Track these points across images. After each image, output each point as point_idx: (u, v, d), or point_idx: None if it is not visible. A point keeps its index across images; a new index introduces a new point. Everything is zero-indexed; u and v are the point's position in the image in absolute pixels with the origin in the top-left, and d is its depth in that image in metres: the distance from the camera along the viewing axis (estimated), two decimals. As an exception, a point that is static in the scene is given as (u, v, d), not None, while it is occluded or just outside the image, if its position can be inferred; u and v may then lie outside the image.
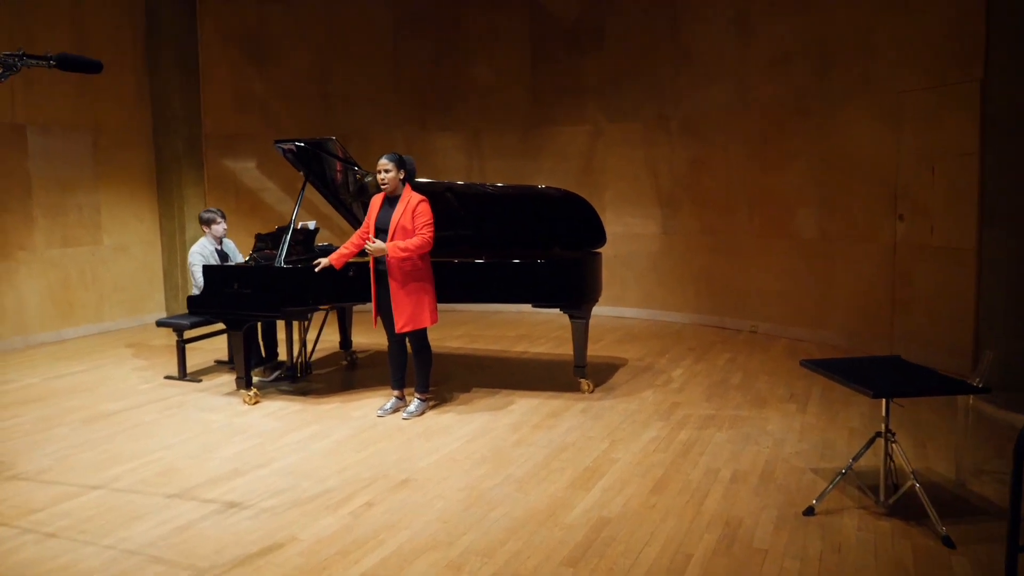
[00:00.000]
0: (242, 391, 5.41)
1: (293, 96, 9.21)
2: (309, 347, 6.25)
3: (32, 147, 7.48)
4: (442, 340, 7.47)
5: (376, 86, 9.35)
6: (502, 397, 5.46)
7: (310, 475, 4.02)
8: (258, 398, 5.40)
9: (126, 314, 8.46)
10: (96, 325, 8.15)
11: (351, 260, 5.14)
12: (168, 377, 6.15)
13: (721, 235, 8.00)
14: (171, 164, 8.66)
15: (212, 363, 6.57)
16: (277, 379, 6.02)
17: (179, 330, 6.03)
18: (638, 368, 6.32)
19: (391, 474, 4.02)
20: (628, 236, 8.62)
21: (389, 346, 5.16)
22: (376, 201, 5.03)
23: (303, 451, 4.39)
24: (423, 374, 5.12)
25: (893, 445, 3.41)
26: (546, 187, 5.80)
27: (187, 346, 6.12)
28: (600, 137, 8.76)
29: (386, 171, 4.85)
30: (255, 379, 5.90)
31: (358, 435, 4.67)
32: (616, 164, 8.70)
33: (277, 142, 5.35)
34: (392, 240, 4.81)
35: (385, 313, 5.03)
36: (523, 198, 5.87)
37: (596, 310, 5.88)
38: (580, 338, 5.48)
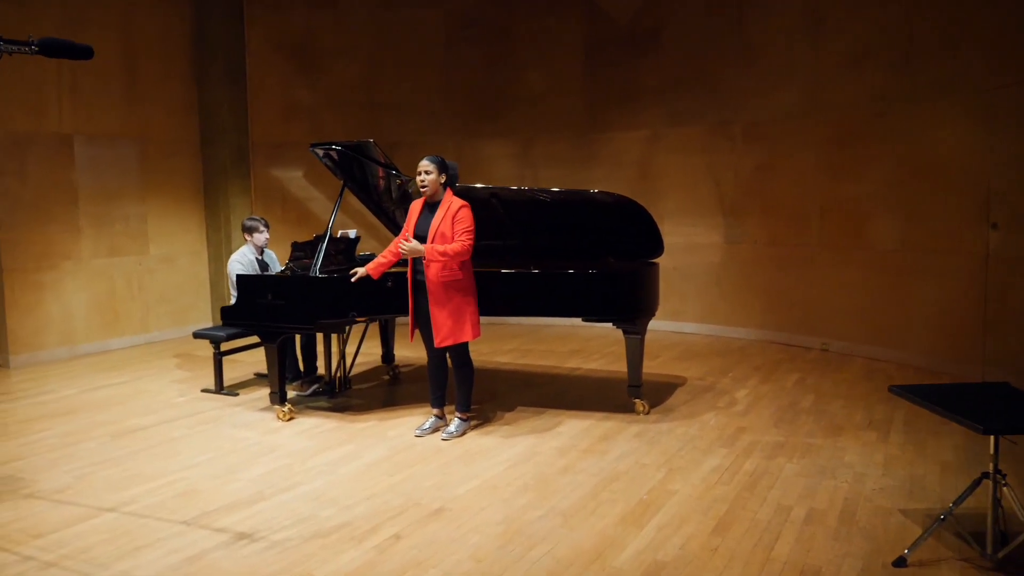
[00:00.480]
0: (276, 407, 5.14)
1: (341, 104, 9.04)
2: (348, 361, 5.97)
3: (79, 157, 7.45)
4: (489, 355, 7.12)
5: (425, 94, 9.11)
6: (550, 417, 5.07)
7: (336, 501, 3.69)
8: (292, 414, 5.13)
9: (172, 325, 8.37)
10: (142, 336, 8.07)
11: (390, 270, 4.83)
12: (204, 390, 5.95)
13: (789, 246, 7.45)
14: (218, 174, 8.57)
15: (252, 375, 6.36)
16: (315, 394, 5.75)
17: (215, 342, 5.82)
18: (698, 388, 5.84)
19: (423, 502, 3.66)
20: (688, 247, 8.13)
21: (428, 361, 4.82)
22: (416, 206, 4.72)
23: (332, 474, 4.08)
24: (464, 392, 4.76)
25: (1004, 488, 2.89)
26: (598, 192, 5.40)
27: (228, 358, 5.92)
28: (658, 143, 8.33)
29: (426, 173, 4.54)
30: (292, 394, 5.65)
31: (392, 457, 4.34)
32: (675, 171, 8.24)
33: (313, 146, 5.10)
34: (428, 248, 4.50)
35: (424, 325, 4.70)
36: (574, 204, 5.49)
37: (653, 325, 5.43)
38: (635, 355, 5.04)
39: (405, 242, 4.51)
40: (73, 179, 7.42)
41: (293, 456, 4.38)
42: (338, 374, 5.77)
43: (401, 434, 4.75)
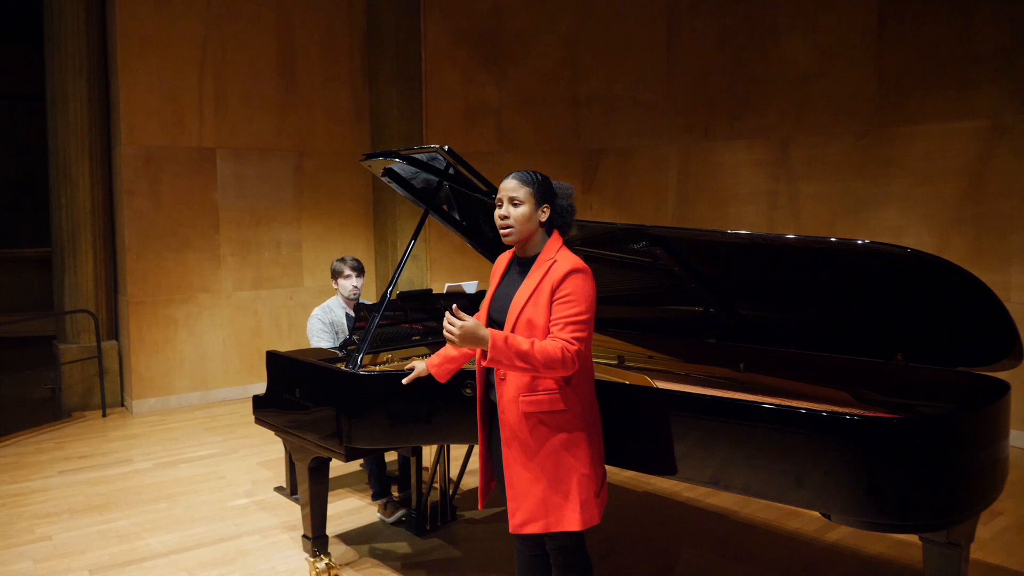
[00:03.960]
0: (307, 557, 3.33)
1: (535, 103, 7.14)
2: (447, 479, 4.00)
3: (221, 174, 6.41)
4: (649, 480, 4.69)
5: (642, 85, 6.86)
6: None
7: None
8: (334, 572, 3.28)
9: (327, 370, 7.08)
10: (290, 382, 6.86)
11: (467, 367, 2.77)
12: (278, 489, 4.37)
13: None
14: (387, 192, 7.13)
15: (359, 465, 4.68)
16: (398, 522, 3.88)
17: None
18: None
19: None
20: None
21: (515, 555, 2.64)
22: (500, 264, 2.60)
23: None
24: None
25: None
26: (871, 243, 2.71)
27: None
28: (1002, 140, 5.19)
29: (511, 202, 2.40)
30: (375, 513, 3.87)
31: None
32: (1030, 186, 5.07)
33: (366, 156, 3.23)
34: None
35: (502, 479, 2.55)
36: (821, 262, 2.90)
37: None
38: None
39: (455, 321, 2.38)
40: (214, 200, 6.39)
41: None
42: (427, 499, 3.82)
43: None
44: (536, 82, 7.16)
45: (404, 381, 2.83)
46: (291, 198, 6.83)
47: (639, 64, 6.86)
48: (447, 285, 3.89)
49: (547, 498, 2.34)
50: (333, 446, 3.00)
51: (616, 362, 3.57)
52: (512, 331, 2.35)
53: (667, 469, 2.55)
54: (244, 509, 4.11)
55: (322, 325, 4.15)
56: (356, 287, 4.18)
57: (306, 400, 3.14)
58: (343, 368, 3.03)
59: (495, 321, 2.48)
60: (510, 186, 2.42)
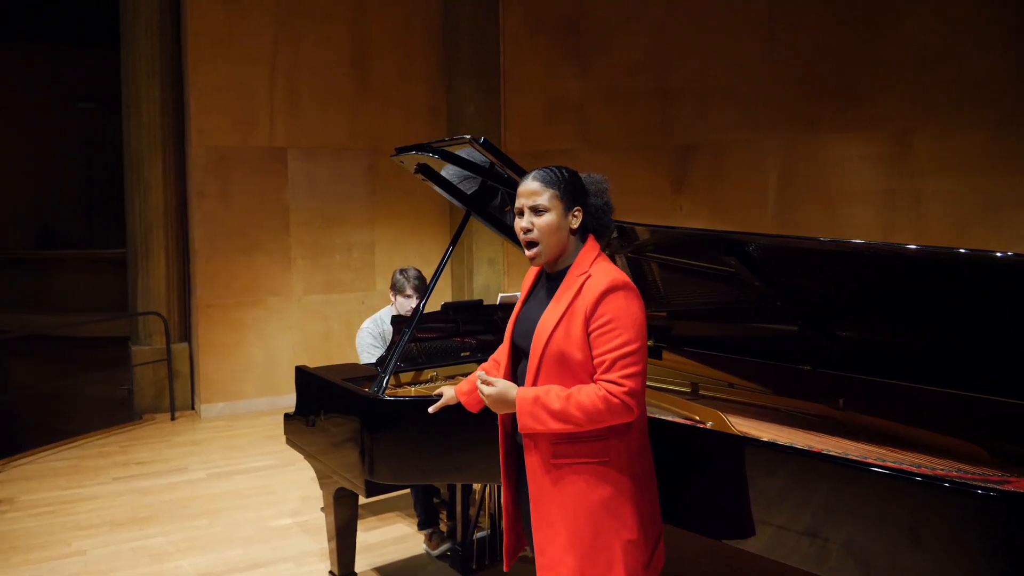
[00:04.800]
0: (333, 600, 3.00)
1: (619, 96, 6.62)
2: (498, 512, 3.58)
3: (293, 174, 6.25)
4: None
5: (740, 74, 6.22)
6: None
7: None
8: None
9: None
10: (361, 389, 6.65)
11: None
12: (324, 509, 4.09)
13: None
14: (463, 192, 6.80)
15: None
16: (443, 556, 3.50)
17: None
18: None
19: None
20: None
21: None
22: (529, 275, 2.17)
23: None
24: None
25: None
26: (1015, 256, 2.08)
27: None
28: None
29: (536, 211, 1.96)
30: (420, 545, 3.52)
31: None
32: None
33: (397, 151, 2.87)
34: (532, 382, 1.92)
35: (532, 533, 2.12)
36: (947, 276, 2.29)
37: None
38: None
39: (484, 379, 1.97)
40: (285, 200, 6.24)
41: None
42: (477, 534, 3.42)
43: None
44: (622, 73, 6.64)
45: (431, 409, 2.43)
46: (364, 199, 6.60)
47: (736, 50, 6.23)
48: (500, 296, 3.49)
49: (584, 570, 1.89)
50: (353, 477, 2.65)
51: (688, 389, 3.07)
52: (539, 368, 1.92)
53: (743, 534, 2.04)
54: (286, 531, 3.84)
55: (372, 339, 3.85)
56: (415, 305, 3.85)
57: (329, 423, 2.81)
58: (365, 390, 2.68)
59: (519, 348, 2.05)
60: (530, 189, 1.97)
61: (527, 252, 1.99)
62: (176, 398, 6.04)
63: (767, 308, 2.77)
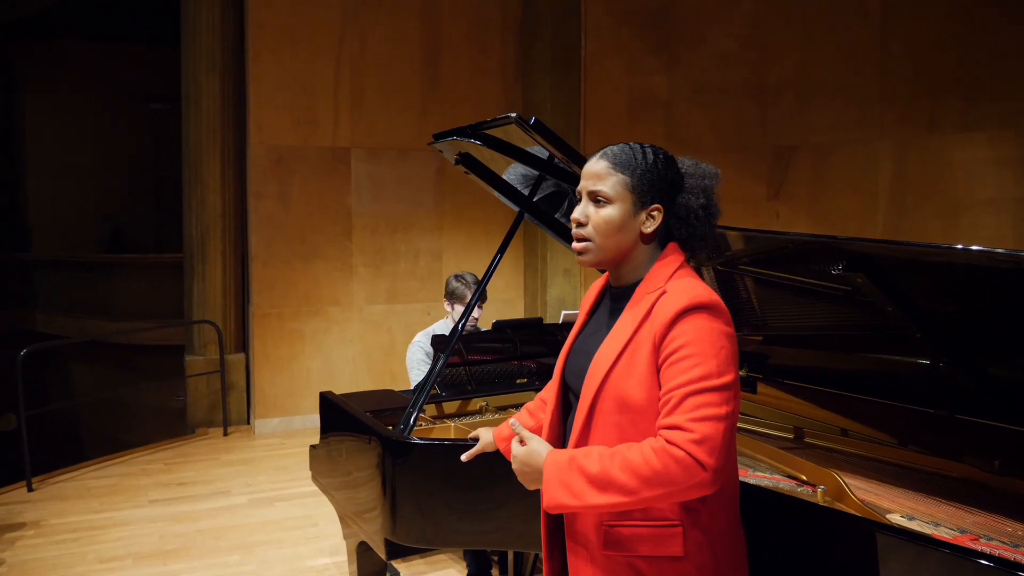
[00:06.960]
0: (356, 668, 2.54)
1: (712, 93, 6.01)
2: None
3: (356, 176, 5.92)
4: None
5: (847, 67, 5.51)
6: None
7: None
8: None
9: (464, 395, 6.38)
10: (424, 406, 6.24)
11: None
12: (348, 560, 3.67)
13: None
14: (537, 197, 6.32)
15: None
16: (491, 618, 3.02)
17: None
18: None
19: None
20: None
21: None
22: (588, 297, 1.64)
23: None
24: None
25: None
26: None
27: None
28: None
29: (596, 200, 1.44)
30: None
31: None
32: None
33: (436, 138, 2.43)
34: (580, 438, 1.40)
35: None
36: None
37: None
38: None
39: (518, 431, 1.47)
40: (348, 204, 5.92)
41: None
42: (528, 594, 2.91)
43: None
44: (714, 68, 6.02)
45: (464, 457, 1.93)
46: (432, 203, 6.22)
47: (843, 41, 5.52)
48: (563, 313, 2.99)
49: None
50: (372, 534, 2.19)
51: (791, 435, 2.47)
52: (589, 418, 1.41)
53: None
54: (321, 572, 3.43)
55: (424, 356, 3.44)
56: (475, 318, 3.42)
57: (350, 464, 2.37)
58: (389, 428, 2.22)
59: (570, 389, 1.54)
60: (594, 171, 1.46)
61: (573, 247, 1.47)
62: (230, 412, 5.78)
63: (897, 336, 2.16)
